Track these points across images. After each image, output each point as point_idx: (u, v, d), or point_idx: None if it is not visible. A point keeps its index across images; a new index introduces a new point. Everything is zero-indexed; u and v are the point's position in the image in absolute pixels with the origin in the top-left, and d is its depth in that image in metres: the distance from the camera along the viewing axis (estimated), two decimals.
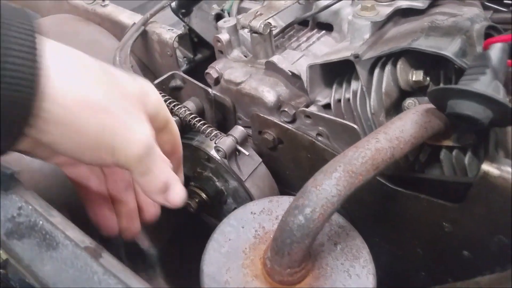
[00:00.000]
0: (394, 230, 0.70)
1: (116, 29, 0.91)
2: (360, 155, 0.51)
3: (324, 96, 0.78)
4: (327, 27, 0.89)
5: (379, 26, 0.70)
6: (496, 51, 0.53)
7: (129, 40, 0.81)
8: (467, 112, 0.50)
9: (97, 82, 0.45)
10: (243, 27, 0.78)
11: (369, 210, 0.72)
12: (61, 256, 0.34)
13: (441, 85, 0.64)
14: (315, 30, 0.90)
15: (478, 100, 0.49)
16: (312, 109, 0.74)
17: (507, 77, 0.55)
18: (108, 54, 0.82)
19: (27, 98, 0.36)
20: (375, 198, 0.69)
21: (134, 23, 0.85)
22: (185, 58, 1.14)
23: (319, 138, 0.72)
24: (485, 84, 0.51)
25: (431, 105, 0.57)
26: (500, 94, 0.50)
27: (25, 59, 0.35)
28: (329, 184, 0.49)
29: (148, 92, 0.51)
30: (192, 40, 1.12)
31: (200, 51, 1.14)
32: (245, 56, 0.87)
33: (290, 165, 0.81)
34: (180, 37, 1.14)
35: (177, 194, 0.54)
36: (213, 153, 0.73)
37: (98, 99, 0.44)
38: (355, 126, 0.65)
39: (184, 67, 1.13)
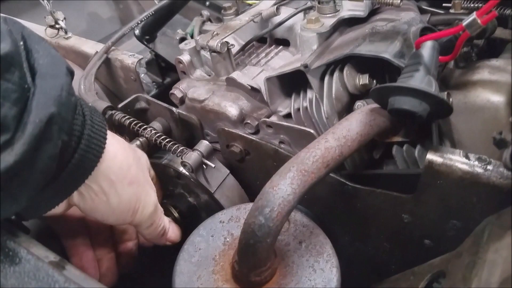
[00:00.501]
0: (361, 227, 0.73)
1: (81, 59, 0.94)
2: (311, 155, 0.54)
3: (285, 106, 0.82)
4: (284, 43, 0.94)
5: (326, 37, 0.75)
6: (427, 49, 0.58)
7: (92, 68, 0.84)
8: (405, 106, 0.54)
9: (132, 158, 0.57)
10: (202, 48, 0.82)
11: (336, 211, 0.76)
12: (24, 270, 0.36)
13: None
14: (273, 46, 0.95)
15: (413, 95, 0.54)
16: (273, 119, 0.78)
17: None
18: (74, 84, 0.85)
19: (91, 166, 0.48)
20: (339, 198, 0.72)
21: (97, 52, 0.88)
22: (154, 83, 1.18)
23: (282, 145, 0.76)
24: (419, 79, 0.55)
25: (376, 105, 0.61)
26: (432, 88, 0.54)
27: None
28: (284, 184, 0.52)
29: (146, 157, 0.66)
30: (160, 65, 1.16)
31: (169, 75, 1.17)
32: (209, 75, 0.91)
33: (259, 174, 0.84)
34: (148, 63, 1.18)
35: (174, 233, 0.69)
36: (182, 169, 0.75)
37: (136, 174, 0.57)
38: (311, 131, 0.68)
39: (153, 91, 1.16)
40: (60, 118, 0.42)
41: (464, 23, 0.53)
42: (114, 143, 0.54)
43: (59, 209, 0.53)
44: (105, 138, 0.50)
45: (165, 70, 1.16)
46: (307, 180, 0.53)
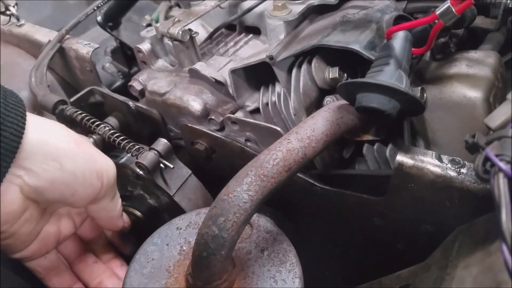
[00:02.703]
0: (331, 229, 0.69)
1: (35, 48, 0.87)
2: (271, 157, 0.50)
3: (253, 100, 0.76)
4: (255, 31, 0.88)
5: (294, 25, 0.69)
6: (398, 40, 0.53)
7: (44, 59, 0.77)
8: (372, 104, 0.49)
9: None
10: (162, 35, 0.76)
11: (305, 211, 0.71)
12: None
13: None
14: (243, 34, 0.88)
15: (382, 92, 0.49)
16: (239, 114, 0.73)
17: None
18: (26, 75, 0.78)
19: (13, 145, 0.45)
20: (309, 199, 0.68)
21: (50, 41, 0.81)
22: (119, 73, 1.11)
23: (248, 143, 0.71)
24: (388, 75, 0.50)
25: (344, 102, 0.56)
26: (403, 84, 0.50)
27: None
28: (241, 191, 0.47)
29: None
30: (125, 54, 1.09)
31: (136, 64, 1.10)
32: (173, 66, 0.85)
33: (227, 173, 0.78)
34: (113, 52, 1.11)
35: (126, 217, 0.65)
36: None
37: (79, 137, 0.54)
38: (278, 129, 0.63)
39: (119, 82, 1.10)
40: None
41: (438, 11, 0.48)
42: (46, 121, 0.52)
43: (13, 203, 0.49)
44: (24, 118, 0.47)
45: (132, 59, 1.09)
46: (266, 185, 0.48)
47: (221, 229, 0.46)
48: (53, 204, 0.57)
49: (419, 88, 0.57)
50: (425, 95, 0.58)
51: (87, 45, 0.81)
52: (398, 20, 0.64)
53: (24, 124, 0.47)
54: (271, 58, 0.63)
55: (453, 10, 0.46)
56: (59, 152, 0.50)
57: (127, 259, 0.68)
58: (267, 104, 0.73)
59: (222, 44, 0.88)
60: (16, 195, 0.49)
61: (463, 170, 0.49)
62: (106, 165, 0.55)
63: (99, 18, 0.98)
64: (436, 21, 0.50)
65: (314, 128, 0.52)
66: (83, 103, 0.74)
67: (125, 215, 0.66)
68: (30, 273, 0.60)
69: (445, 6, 0.47)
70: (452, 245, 0.43)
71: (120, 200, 0.61)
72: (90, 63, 0.79)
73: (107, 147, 0.71)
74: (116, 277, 0.65)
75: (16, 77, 0.81)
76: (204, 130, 0.73)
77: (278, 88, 0.70)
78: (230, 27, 0.92)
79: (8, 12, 0.91)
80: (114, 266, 0.66)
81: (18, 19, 0.93)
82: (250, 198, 0.47)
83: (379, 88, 0.48)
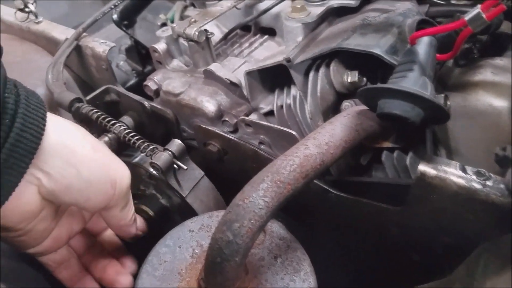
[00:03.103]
0: (344, 236, 0.68)
1: (52, 46, 0.86)
2: (288, 163, 0.48)
3: (267, 103, 0.75)
4: (270, 32, 0.87)
5: (312, 28, 0.67)
6: (423, 46, 0.51)
7: (61, 56, 0.77)
8: (395, 111, 0.48)
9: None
10: (178, 36, 0.75)
11: (319, 218, 0.70)
12: None
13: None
14: (258, 35, 0.87)
15: (405, 98, 0.47)
16: (253, 117, 0.71)
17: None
18: (42, 72, 0.78)
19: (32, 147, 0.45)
20: (323, 205, 0.66)
21: (67, 39, 0.81)
22: (134, 71, 1.10)
23: (262, 146, 0.70)
24: (412, 81, 0.49)
25: (364, 107, 0.55)
26: (428, 91, 0.48)
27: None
28: (256, 196, 0.46)
29: None
30: (140, 52, 1.08)
31: (150, 63, 1.10)
32: (187, 66, 0.84)
33: (239, 176, 0.77)
34: (127, 50, 1.10)
35: (140, 222, 0.65)
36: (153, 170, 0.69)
37: (96, 142, 0.53)
38: (293, 132, 0.62)
39: (133, 80, 1.09)
40: None
41: (467, 17, 0.46)
42: (65, 123, 0.52)
43: (31, 204, 0.49)
44: (44, 120, 0.47)
45: (146, 58, 1.09)
46: (282, 192, 0.47)
47: (236, 235, 0.45)
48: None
49: (443, 95, 0.55)
50: (448, 103, 0.56)
51: (103, 43, 0.80)
52: (421, 24, 0.62)
53: (44, 126, 0.47)
54: (288, 60, 0.62)
55: (483, 16, 0.44)
56: (76, 157, 0.50)
57: (133, 251, 0.68)
58: (282, 106, 0.72)
59: (236, 45, 0.86)
60: (34, 195, 0.49)
61: (489, 183, 0.47)
62: (121, 174, 0.55)
63: (115, 17, 0.97)
64: (463, 27, 0.49)
65: (333, 134, 0.51)
66: (98, 101, 0.73)
67: (140, 221, 0.65)
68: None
69: (474, 12, 0.45)
70: (477, 263, 0.41)
71: (133, 209, 0.60)
72: (106, 62, 0.79)
73: (121, 146, 0.71)
74: (124, 269, 0.64)
75: (33, 74, 0.81)
76: (217, 131, 0.72)
77: (294, 91, 0.68)
78: (244, 28, 0.90)
79: (26, 9, 0.91)
80: (122, 258, 0.65)
81: (36, 16, 0.93)
82: (266, 205, 0.46)
83: (402, 95, 0.47)
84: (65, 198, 0.51)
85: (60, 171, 0.49)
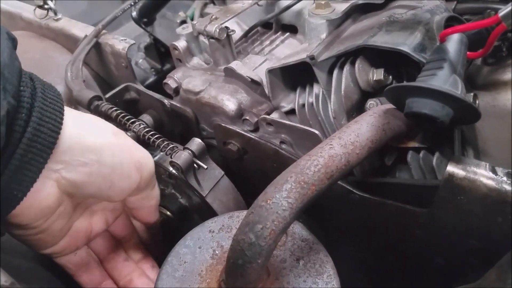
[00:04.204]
0: (366, 238, 0.67)
1: (71, 43, 0.87)
2: (312, 163, 0.47)
3: (289, 101, 0.74)
4: (292, 29, 0.86)
5: (337, 24, 0.66)
6: (453, 43, 0.50)
7: (80, 53, 0.77)
8: (424, 110, 0.46)
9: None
10: (199, 33, 0.74)
11: (340, 219, 0.69)
12: None
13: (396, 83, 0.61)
14: (279, 32, 0.86)
15: (435, 97, 0.46)
16: (274, 115, 0.70)
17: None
18: (61, 70, 0.78)
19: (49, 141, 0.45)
20: (345, 206, 0.65)
21: (86, 36, 0.81)
22: (152, 69, 1.11)
23: (283, 146, 0.69)
24: (442, 79, 0.47)
25: (390, 105, 0.53)
26: (458, 90, 0.46)
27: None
28: (280, 197, 0.45)
29: None
30: (159, 50, 1.08)
31: (168, 60, 1.10)
32: (207, 64, 0.83)
33: (258, 176, 0.77)
34: (146, 48, 1.10)
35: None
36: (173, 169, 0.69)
37: (116, 128, 0.53)
38: (316, 132, 0.61)
39: (151, 78, 1.09)
40: (4, 78, 0.40)
41: (501, 13, 0.44)
42: (84, 115, 0.52)
43: (48, 199, 0.48)
44: (62, 113, 0.47)
45: (165, 56, 1.09)
46: (306, 193, 0.46)
47: (258, 236, 0.44)
48: (87, 199, 0.56)
49: (472, 94, 0.54)
50: (477, 102, 0.54)
51: (123, 40, 0.80)
52: (450, 21, 0.60)
53: (62, 119, 0.46)
54: (312, 58, 0.60)
55: None
56: (96, 144, 0.49)
57: (156, 259, 0.68)
58: (304, 105, 0.70)
59: (257, 42, 0.85)
60: (53, 190, 0.48)
61: None
62: (144, 157, 0.54)
63: (134, 14, 0.97)
64: (496, 24, 0.47)
65: (359, 134, 0.49)
66: (118, 99, 0.73)
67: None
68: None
69: (508, 9, 0.44)
70: (509, 269, 0.39)
71: (158, 189, 0.61)
72: (125, 59, 0.79)
73: (141, 144, 0.70)
74: (146, 276, 0.64)
75: (52, 71, 0.81)
76: (237, 130, 0.71)
77: (316, 89, 0.67)
78: (265, 25, 0.89)
79: (46, 6, 0.92)
80: (145, 265, 0.65)
81: (55, 13, 0.94)
82: (290, 206, 0.45)
83: (432, 93, 0.45)
84: (86, 188, 0.49)
85: (80, 159, 0.47)
